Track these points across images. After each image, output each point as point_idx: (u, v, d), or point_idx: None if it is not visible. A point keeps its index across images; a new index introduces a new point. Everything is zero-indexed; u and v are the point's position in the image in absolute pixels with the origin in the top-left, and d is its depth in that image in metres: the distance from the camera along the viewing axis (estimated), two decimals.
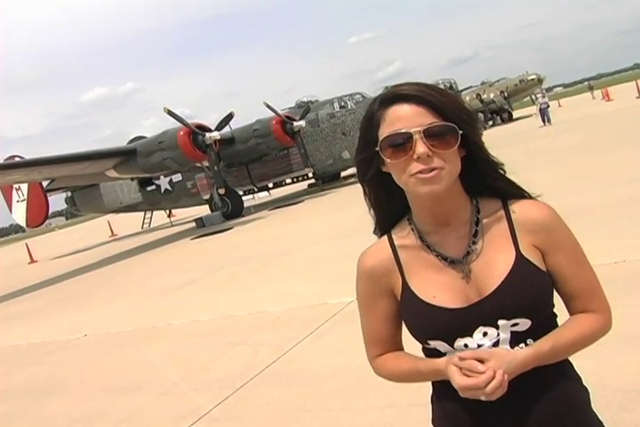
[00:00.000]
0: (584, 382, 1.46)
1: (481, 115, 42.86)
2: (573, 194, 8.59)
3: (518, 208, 1.41)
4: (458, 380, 1.27)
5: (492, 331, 1.35)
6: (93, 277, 15.26)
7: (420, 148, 1.30)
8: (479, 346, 1.36)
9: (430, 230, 1.44)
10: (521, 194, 1.45)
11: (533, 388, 1.36)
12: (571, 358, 1.45)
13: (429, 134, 1.30)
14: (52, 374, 6.69)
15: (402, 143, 1.32)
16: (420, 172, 1.31)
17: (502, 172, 1.45)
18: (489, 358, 1.27)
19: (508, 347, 1.36)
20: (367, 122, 1.41)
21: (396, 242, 1.48)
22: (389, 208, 1.49)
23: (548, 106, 31.27)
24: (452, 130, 1.32)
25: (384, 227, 1.52)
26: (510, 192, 1.44)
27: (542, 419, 1.36)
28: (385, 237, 1.51)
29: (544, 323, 1.37)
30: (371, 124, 1.40)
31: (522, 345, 1.35)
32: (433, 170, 1.30)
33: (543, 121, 29.83)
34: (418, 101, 1.33)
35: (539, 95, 34.34)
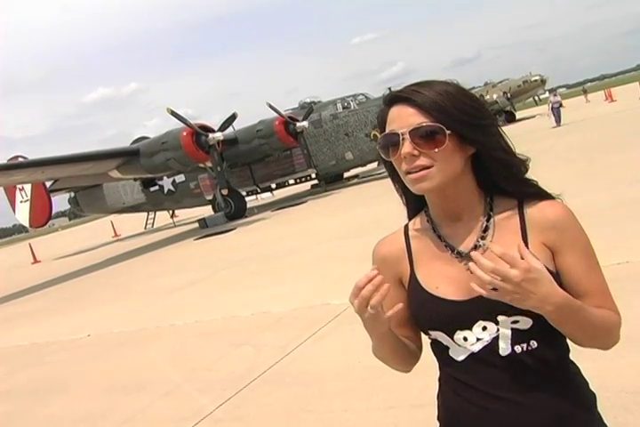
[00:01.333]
0: (590, 387, 1.45)
1: None
2: (576, 195, 8.58)
3: (533, 206, 1.41)
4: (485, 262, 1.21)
5: (491, 326, 1.36)
6: (96, 277, 15.28)
7: (405, 148, 1.35)
8: (478, 340, 1.38)
9: (443, 223, 1.47)
10: (538, 193, 1.44)
11: (539, 389, 1.36)
12: (575, 360, 1.46)
13: (416, 134, 1.34)
14: (55, 374, 6.70)
15: (393, 143, 1.37)
16: (410, 171, 1.36)
17: (520, 171, 1.44)
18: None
19: (508, 343, 1.36)
20: (378, 121, 1.47)
21: (410, 232, 1.54)
22: (412, 200, 1.53)
23: (561, 105, 29.86)
24: (439, 130, 1.34)
25: (410, 216, 1.58)
26: (524, 193, 1.43)
27: (546, 421, 1.36)
28: (402, 227, 1.57)
29: (548, 324, 1.35)
30: (381, 122, 1.45)
31: (524, 345, 1.35)
32: (422, 169, 1.35)
33: (557, 121, 28.75)
34: (410, 103, 1.37)
35: (548, 94, 33.83)
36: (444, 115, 1.34)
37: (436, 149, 1.34)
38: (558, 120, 28.75)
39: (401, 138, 1.35)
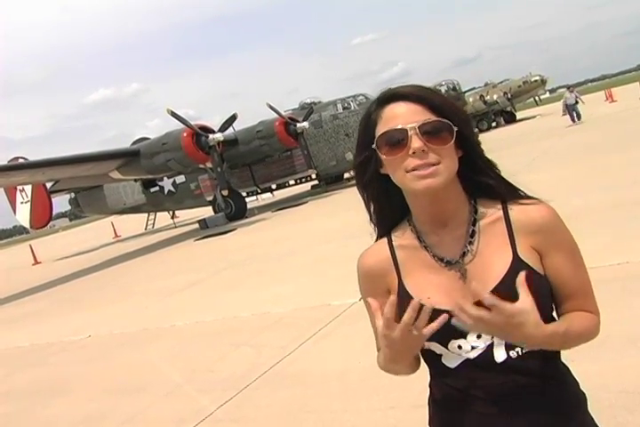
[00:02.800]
0: (581, 387, 1.45)
1: None
2: (577, 195, 8.58)
3: (517, 209, 1.41)
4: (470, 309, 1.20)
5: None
6: (97, 278, 15.29)
7: (416, 143, 1.31)
8: (473, 348, 1.37)
9: (428, 231, 1.44)
10: (518, 194, 1.45)
11: (530, 391, 1.36)
12: (570, 361, 1.45)
13: (425, 130, 1.32)
14: (56, 375, 6.70)
15: (398, 139, 1.33)
16: (416, 168, 1.32)
17: (497, 171, 1.45)
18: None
19: (502, 350, 1.35)
20: (364, 123, 1.44)
21: (394, 242, 1.49)
22: (389, 211, 1.50)
23: (577, 102, 27.52)
24: (446, 126, 1.33)
25: (384, 230, 1.53)
26: (508, 191, 1.44)
27: (537, 423, 1.36)
28: (384, 238, 1.52)
29: None
30: (368, 124, 1.42)
31: (518, 350, 1.35)
32: (430, 166, 1.32)
33: (572, 119, 26.67)
34: (413, 100, 1.35)
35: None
36: (447, 112, 1.34)
37: (445, 146, 1.33)
38: (574, 117, 26.86)
39: (410, 133, 1.32)
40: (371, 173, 1.44)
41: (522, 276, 1.25)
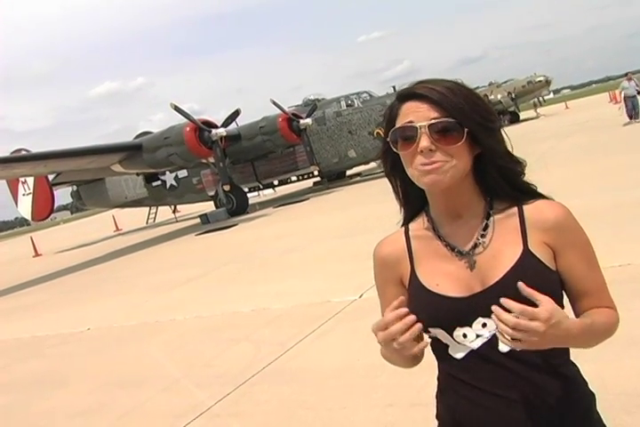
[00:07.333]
0: (590, 386, 1.46)
1: None
2: (578, 196, 8.56)
3: (532, 206, 1.43)
4: (507, 317, 1.19)
5: (490, 322, 1.35)
6: (97, 271, 15.30)
7: (424, 142, 1.34)
8: (478, 336, 1.38)
9: (444, 222, 1.48)
10: (532, 195, 1.46)
11: (539, 390, 1.36)
12: (575, 362, 1.45)
13: (435, 129, 1.34)
14: (55, 367, 6.71)
15: (409, 136, 1.37)
16: (423, 164, 1.35)
17: (517, 176, 1.46)
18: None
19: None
20: (388, 114, 1.46)
21: (410, 232, 1.53)
22: (413, 199, 1.53)
23: (639, 92, 21.71)
24: (456, 127, 1.35)
25: (407, 217, 1.57)
26: (517, 196, 1.45)
27: (546, 422, 1.37)
28: (402, 228, 1.56)
29: None
30: (390, 117, 1.45)
31: None
32: (435, 162, 1.34)
33: (629, 115, 21.37)
34: (427, 99, 1.37)
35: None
36: (460, 113, 1.35)
37: (453, 146, 1.35)
38: (632, 113, 21.42)
39: (419, 131, 1.35)
40: (392, 161, 1.47)
41: (521, 284, 1.24)
